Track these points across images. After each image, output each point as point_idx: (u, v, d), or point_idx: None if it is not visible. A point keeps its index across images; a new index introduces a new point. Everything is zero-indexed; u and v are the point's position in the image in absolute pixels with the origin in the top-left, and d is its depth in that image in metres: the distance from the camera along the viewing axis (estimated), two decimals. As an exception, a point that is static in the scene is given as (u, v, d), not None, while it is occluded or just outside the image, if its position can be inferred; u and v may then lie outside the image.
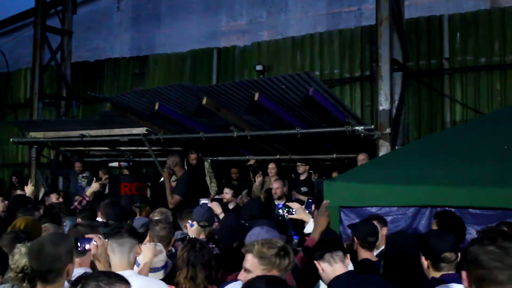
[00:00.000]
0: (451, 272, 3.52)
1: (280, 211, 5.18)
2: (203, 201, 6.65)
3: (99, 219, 6.57)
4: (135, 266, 3.88)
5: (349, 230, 5.41)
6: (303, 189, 9.08)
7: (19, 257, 3.45)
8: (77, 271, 3.66)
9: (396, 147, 8.53)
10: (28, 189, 8.29)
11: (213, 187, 10.20)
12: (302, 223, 5.27)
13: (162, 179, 8.35)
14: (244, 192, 8.62)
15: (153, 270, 4.01)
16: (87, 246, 3.78)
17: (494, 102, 10.24)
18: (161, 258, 4.18)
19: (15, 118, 15.30)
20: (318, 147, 9.68)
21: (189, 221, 5.24)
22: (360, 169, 7.20)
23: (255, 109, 8.31)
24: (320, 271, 3.70)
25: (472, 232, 5.26)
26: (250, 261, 3.22)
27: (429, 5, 11.44)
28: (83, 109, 14.48)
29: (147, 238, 4.56)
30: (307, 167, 9.59)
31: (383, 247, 5.07)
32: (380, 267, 4.28)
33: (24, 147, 13.89)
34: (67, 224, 5.99)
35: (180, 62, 13.80)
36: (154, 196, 10.38)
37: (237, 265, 3.59)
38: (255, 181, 9.73)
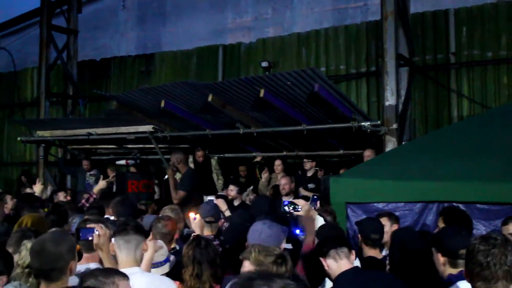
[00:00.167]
0: None
1: (286, 208, 5.15)
2: (209, 198, 6.67)
3: (107, 216, 6.57)
4: None
5: (355, 226, 5.40)
6: (310, 185, 9.06)
7: (26, 253, 3.45)
8: (82, 267, 3.68)
9: (403, 143, 8.49)
10: (37, 188, 8.32)
11: (220, 184, 10.22)
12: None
13: (166, 176, 8.37)
14: (249, 189, 8.61)
15: (156, 265, 4.02)
16: (89, 237, 3.80)
17: (501, 96, 10.19)
18: (162, 253, 4.18)
19: (22, 117, 15.37)
20: (324, 143, 9.66)
21: (192, 214, 5.25)
22: (367, 165, 7.19)
23: (260, 105, 8.30)
24: (326, 267, 3.70)
25: (480, 228, 5.25)
26: (247, 268, 3.25)
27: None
28: (89, 108, 14.53)
29: (150, 235, 4.57)
30: (314, 163, 9.57)
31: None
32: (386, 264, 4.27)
33: (32, 146, 13.98)
34: (76, 222, 6.01)
35: (186, 60, 13.82)
36: (161, 194, 10.42)
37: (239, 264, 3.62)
38: (261, 178, 9.73)
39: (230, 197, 7.30)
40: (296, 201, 5.18)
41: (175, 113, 9.10)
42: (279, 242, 3.83)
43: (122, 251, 3.65)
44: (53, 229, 4.73)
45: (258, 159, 10.67)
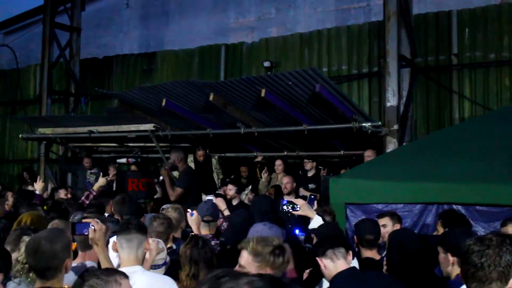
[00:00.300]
0: None
1: (285, 207, 5.16)
2: (208, 197, 6.66)
3: (108, 214, 6.58)
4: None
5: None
6: (311, 185, 9.06)
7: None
8: (77, 264, 3.68)
9: (404, 144, 8.48)
10: (38, 186, 8.33)
11: (219, 184, 10.22)
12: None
13: (161, 178, 8.40)
14: (248, 189, 8.61)
15: (154, 267, 4.02)
16: (85, 231, 3.80)
17: (503, 98, 10.16)
18: (162, 256, 4.19)
19: (24, 114, 15.38)
20: (325, 143, 9.65)
21: (189, 210, 5.24)
22: (367, 166, 7.19)
23: (262, 105, 8.30)
24: (322, 267, 3.69)
25: (479, 230, 5.24)
26: (245, 258, 3.22)
27: (438, 1, 11.36)
28: (91, 106, 14.52)
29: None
30: (314, 163, 9.56)
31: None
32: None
33: (34, 143, 14.00)
34: (78, 219, 6.01)
35: (188, 59, 13.82)
36: (163, 193, 10.41)
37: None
38: (261, 177, 9.73)
39: (228, 197, 7.31)
40: (295, 200, 5.19)
41: (176, 112, 9.11)
42: None
43: (124, 249, 3.65)
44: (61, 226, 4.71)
45: (259, 158, 10.67)
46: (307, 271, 4.18)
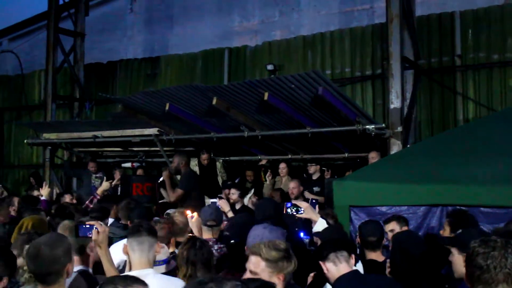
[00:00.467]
0: None
1: (289, 210, 5.14)
2: (211, 200, 6.66)
3: (111, 219, 6.59)
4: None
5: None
6: (315, 189, 9.04)
7: None
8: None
9: (408, 146, 8.47)
10: (44, 191, 8.34)
11: (224, 188, 10.21)
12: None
13: (161, 178, 8.42)
14: (251, 192, 8.61)
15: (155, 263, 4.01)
16: (88, 234, 3.82)
17: (507, 99, 10.13)
18: (162, 251, 4.18)
19: (29, 120, 15.43)
20: (329, 146, 9.65)
21: (188, 213, 5.23)
22: (370, 168, 7.17)
23: (265, 108, 8.30)
24: (325, 271, 3.68)
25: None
26: (257, 264, 3.20)
27: (442, 2, 11.34)
28: (96, 110, 14.56)
29: None
30: (318, 166, 9.55)
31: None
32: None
33: (39, 148, 14.05)
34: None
35: (192, 63, 13.84)
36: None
37: (241, 265, 3.60)
38: (266, 181, 9.72)
39: (231, 201, 7.30)
40: (298, 203, 5.17)
41: (180, 116, 9.12)
42: None
43: (136, 252, 3.66)
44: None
45: (263, 162, 10.67)
46: (311, 274, 4.17)
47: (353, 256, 3.75)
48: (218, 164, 10.81)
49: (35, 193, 9.24)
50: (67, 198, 8.88)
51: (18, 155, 16.42)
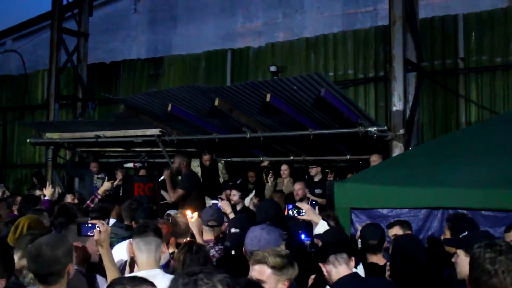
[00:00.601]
0: None
1: (290, 212, 5.14)
2: (213, 201, 6.66)
3: (112, 219, 6.58)
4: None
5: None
6: (317, 191, 9.02)
7: None
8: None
9: (410, 148, 8.45)
10: (48, 192, 8.33)
11: (225, 188, 10.21)
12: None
13: (162, 177, 8.43)
14: (252, 193, 8.61)
15: None
16: (89, 232, 3.82)
17: (510, 102, 10.11)
18: (163, 256, 4.19)
19: (32, 119, 15.48)
20: (331, 148, 9.65)
21: (188, 213, 5.23)
22: (372, 171, 7.17)
23: (267, 110, 8.31)
24: (325, 273, 3.68)
25: (485, 235, 5.20)
26: (262, 272, 3.24)
27: (446, 5, 11.34)
28: (99, 110, 14.59)
29: None
30: (319, 168, 9.54)
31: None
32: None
33: (41, 148, 14.08)
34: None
35: (195, 63, 13.86)
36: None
37: (241, 270, 3.61)
38: (267, 182, 9.72)
39: (232, 202, 7.30)
40: (300, 205, 5.16)
41: (182, 116, 9.14)
42: (278, 247, 3.81)
43: (143, 252, 3.65)
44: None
45: (265, 163, 10.67)
46: (312, 277, 4.17)
47: (353, 258, 3.75)
48: (220, 165, 10.82)
49: (37, 192, 9.23)
50: (69, 198, 8.86)
51: (20, 155, 16.46)
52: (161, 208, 8.34)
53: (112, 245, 4.23)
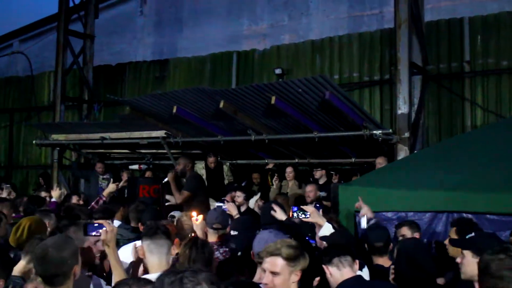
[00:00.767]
0: None
1: (295, 214, 5.14)
2: (217, 204, 6.67)
3: (116, 221, 6.60)
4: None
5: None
6: (322, 193, 8.98)
7: None
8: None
9: (415, 151, 8.44)
10: (55, 193, 8.34)
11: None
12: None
13: (166, 179, 8.45)
14: (257, 196, 8.60)
15: None
16: (94, 233, 3.86)
17: (516, 105, 10.09)
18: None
19: (38, 121, 15.52)
20: (337, 151, 9.64)
21: (193, 215, 5.24)
22: (377, 174, 7.16)
23: (272, 112, 8.31)
24: (328, 275, 3.68)
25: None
26: (276, 264, 3.27)
27: (452, 8, 11.32)
28: (104, 112, 14.63)
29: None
30: (324, 171, 9.54)
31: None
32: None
33: (47, 149, 14.14)
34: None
35: (200, 66, 13.88)
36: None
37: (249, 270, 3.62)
38: (272, 185, 9.72)
39: (237, 203, 7.30)
40: (305, 207, 5.17)
41: (187, 118, 9.15)
42: None
43: (154, 255, 3.66)
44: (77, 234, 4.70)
45: (270, 166, 10.67)
46: (317, 279, 4.17)
47: (357, 261, 3.75)
48: (225, 167, 10.82)
49: (43, 194, 9.26)
50: (74, 199, 8.89)
51: (27, 156, 16.53)
52: (165, 209, 8.36)
53: (118, 247, 4.24)
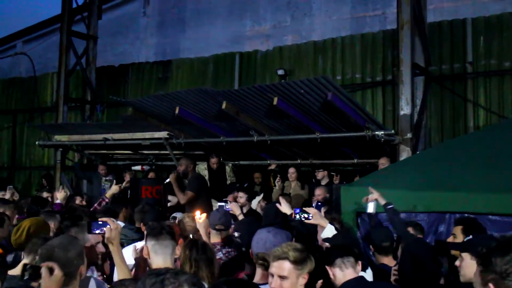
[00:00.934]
0: None
1: (297, 216, 5.13)
2: (219, 204, 6.68)
3: (119, 222, 6.61)
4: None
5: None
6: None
7: None
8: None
9: (417, 152, 8.43)
10: (60, 195, 8.34)
11: (234, 191, 10.22)
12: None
13: (167, 180, 8.47)
14: (260, 196, 8.62)
15: None
16: (98, 231, 3.86)
17: (518, 107, 10.08)
18: None
19: (41, 122, 15.58)
20: (338, 151, 9.64)
21: (197, 212, 5.25)
22: (379, 174, 7.15)
23: (274, 113, 8.32)
24: (331, 276, 3.70)
25: (492, 239, 5.19)
26: (283, 268, 3.27)
27: (454, 9, 11.31)
28: (107, 113, 14.67)
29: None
30: (326, 172, 9.56)
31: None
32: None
33: (50, 150, 14.17)
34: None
35: (203, 67, 13.90)
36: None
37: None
38: (275, 186, 9.73)
39: (239, 204, 7.30)
40: (307, 209, 5.17)
41: (190, 119, 9.17)
42: None
43: (159, 255, 3.67)
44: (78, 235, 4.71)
45: (272, 166, 10.68)
46: (319, 282, 4.17)
47: (360, 262, 3.76)
48: (228, 168, 10.83)
49: (45, 194, 9.27)
50: (77, 200, 8.91)
51: (29, 157, 16.57)
52: (168, 210, 8.38)
53: (122, 247, 4.25)
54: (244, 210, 7.43)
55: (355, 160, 9.70)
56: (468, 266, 3.50)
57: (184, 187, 8.48)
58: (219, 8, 14.58)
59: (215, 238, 5.17)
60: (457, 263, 3.59)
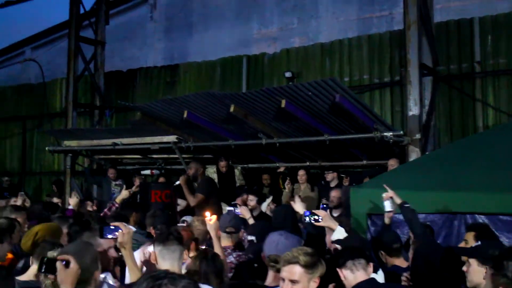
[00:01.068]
0: None
1: (307, 218, 5.14)
2: (228, 208, 6.69)
3: (131, 227, 6.63)
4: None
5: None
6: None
7: None
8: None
9: (427, 153, 8.41)
10: (72, 201, 8.39)
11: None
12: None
13: (177, 182, 8.49)
14: (269, 199, 8.61)
15: None
16: (110, 235, 3.87)
17: (528, 105, 10.02)
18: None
19: (51, 127, 15.63)
20: (348, 153, 9.63)
21: (207, 215, 5.26)
22: (388, 176, 7.14)
23: (282, 116, 8.33)
24: (342, 278, 3.70)
25: (503, 240, 5.17)
26: (294, 272, 3.27)
27: (461, 8, 11.27)
28: (116, 118, 14.71)
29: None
30: (335, 174, 9.54)
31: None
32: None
33: (60, 156, 14.24)
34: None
35: (210, 70, 13.92)
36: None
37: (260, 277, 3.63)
38: (284, 188, 9.73)
39: (249, 207, 7.31)
40: (317, 211, 5.17)
41: (198, 123, 9.19)
42: None
43: (166, 261, 3.67)
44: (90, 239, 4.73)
45: (281, 169, 10.68)
46: (331, 286, 4.17)
47: (371, 264, 3.75)
48: (237, 171, 10.85)
49: (55, 200, 9.33)
50: (88, 206, 8.95)
51: (40, 162, 16.66)
52: (178, 214, 8.40)
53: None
54: (255, 213, 7.43)
55: (364, 162, 9.68)
56: (475, 272, 3.50)
57: (194, 190, 8.51)
58: (226, 12, 14.61)
59: (225, 242, 5.16)
60: (464, 268, 3.58)
